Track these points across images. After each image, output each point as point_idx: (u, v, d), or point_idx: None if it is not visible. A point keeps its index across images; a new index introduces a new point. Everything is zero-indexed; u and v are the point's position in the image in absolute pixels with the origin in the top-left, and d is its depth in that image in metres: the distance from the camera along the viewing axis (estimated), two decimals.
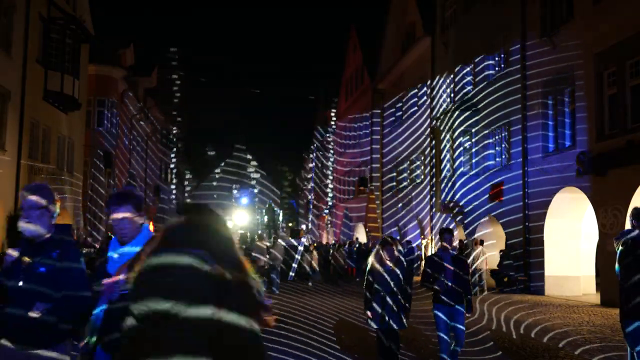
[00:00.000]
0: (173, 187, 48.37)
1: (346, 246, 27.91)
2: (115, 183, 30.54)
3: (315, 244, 25.31)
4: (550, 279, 18.05)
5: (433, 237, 26.62)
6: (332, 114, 46.88)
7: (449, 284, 6.89)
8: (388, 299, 6.69)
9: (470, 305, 7.27)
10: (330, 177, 47.29)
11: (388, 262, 6.79)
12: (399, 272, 6.76)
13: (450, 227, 24.50)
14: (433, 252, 7.31)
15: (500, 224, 20.84)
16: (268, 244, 21.74)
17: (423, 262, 24.07)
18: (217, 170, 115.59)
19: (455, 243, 21.69)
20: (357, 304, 14.50)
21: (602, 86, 15.84)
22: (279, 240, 21.30)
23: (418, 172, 29.42)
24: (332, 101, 47.30)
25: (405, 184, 31.04)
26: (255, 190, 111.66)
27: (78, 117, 25.25)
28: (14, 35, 19.50)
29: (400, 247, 7.09)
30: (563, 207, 17.88)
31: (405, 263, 7.09)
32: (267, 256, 19.14)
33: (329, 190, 47.81)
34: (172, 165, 48.21)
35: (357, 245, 28.68)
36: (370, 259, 6.99)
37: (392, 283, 6.71)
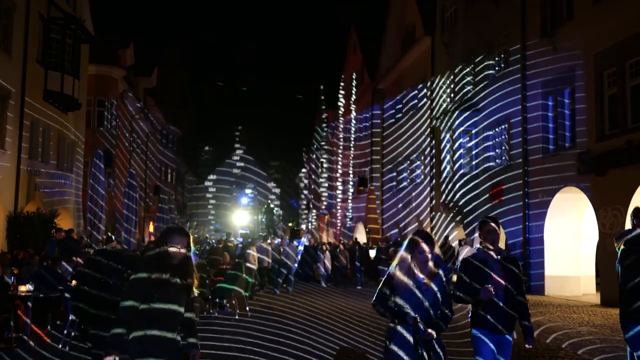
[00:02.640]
0: (173, 187, 48.37)
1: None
2: (115, 183, 30.55)
3: (327, 245, 24.53)
4: (550, 279, 18.05)
5: (433, 237, 26.56)
6: (332, 114, 46.89)
7: (499, 302, 4.88)
8: (422, 330, 4.43)
9: (531, 333, 5.06)
10: (330, 177, 47.29)
11: (420, 274, 4.54)
12: (436, 289, 4.54)
13: (452, 225, 24.58)
14: (470, 255, 5.19)
15: (500, 224, 20.80)
16: (277, 242, 21.49)
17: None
18: (218, 170, 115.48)
19: (454, 243, 21.58)
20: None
21: (602, 86, 15.84)
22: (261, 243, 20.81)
23: (418, 172, 29.42)
24: (332, 101, 47.30)
25: (405, 183, 31.04)
26: (255, 190, 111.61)
27: (78, 117, 25.26)
28: (14, 35, 19.50)
29: (438, 250, 4.75)
30: (563, 207, 17.88)
31: (444, 275, 4.71)
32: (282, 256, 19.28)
33: (329, 190, 47.81)
34: (172, 165, 48.22)
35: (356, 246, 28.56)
36: (393, 267, 4.66)
37: (428, 307, 4.50)
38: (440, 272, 4.65)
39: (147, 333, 3.92)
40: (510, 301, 4.91)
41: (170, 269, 4.04)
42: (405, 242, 4.68)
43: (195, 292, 4.20)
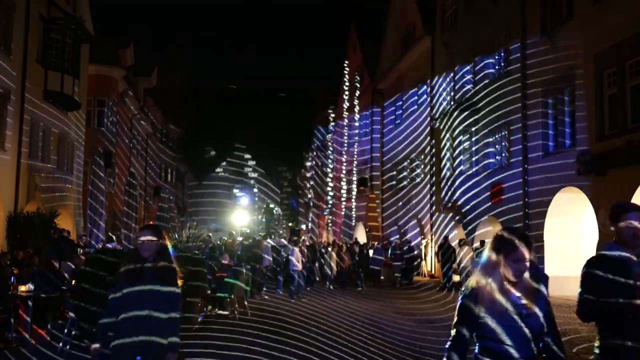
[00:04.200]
0: (173, 187, 48.37)
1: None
2: (115, 183, 30.54)
3: (336, 245, 24.13)
4: (550, 279, 17.96)
5: (433, 237, 26.59)
6: (332, 114, 46.90)
7: None
8: None
9: None
10: (330, 177, 47.29)
11: (515, 291, 3.12)
12: (540, 313, 3.11)
13: (452, 225, 24.58)
14: (605, 249, 4.04)
15: (500, 224, 20.83)
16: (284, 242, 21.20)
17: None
18: (218, 170, 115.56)
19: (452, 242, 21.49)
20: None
21: (602, 86, 15.84)
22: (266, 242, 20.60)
23: (418, 172, 29.43)
24: (332, 101, 47.30)
25: (405, 183, 31.05)
26: (255, 190, 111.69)
27: (78, 117, 25.26)
28: (14, 35, 19.50)
29: (530, 256, 3.11)
30: (563, 207, 17.88)
31: (547, 292, 3.24)
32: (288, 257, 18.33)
33: (329, 190, 47.80)
34: (172, 165, 48.22)
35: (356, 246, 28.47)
36: (476, 278, 3.19)
37: (532, 341, 3.08)
38: (542, 288, 3.20)
39: (131, 314, 4.07)
40: None
41: (144, 267, 4.16)
42: (493, 244, 3.19)
43: (179, 286, 4.26)
